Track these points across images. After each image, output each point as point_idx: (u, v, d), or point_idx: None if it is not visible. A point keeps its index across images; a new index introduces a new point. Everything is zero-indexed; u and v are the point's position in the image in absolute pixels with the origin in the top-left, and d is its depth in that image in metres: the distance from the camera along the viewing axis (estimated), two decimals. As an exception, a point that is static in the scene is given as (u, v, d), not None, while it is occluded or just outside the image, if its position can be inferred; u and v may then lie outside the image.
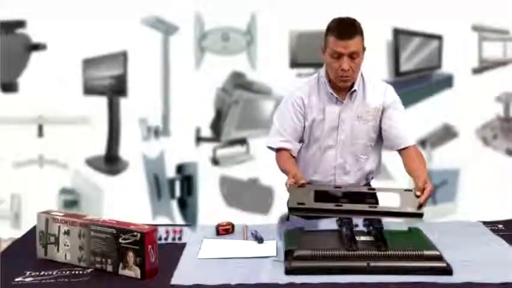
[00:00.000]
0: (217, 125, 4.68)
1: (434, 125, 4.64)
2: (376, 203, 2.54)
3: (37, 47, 4.60)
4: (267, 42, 4.61)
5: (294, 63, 4.61)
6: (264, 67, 4.62)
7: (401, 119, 2.80)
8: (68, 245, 2.35)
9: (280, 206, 4.55)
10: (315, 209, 2.41)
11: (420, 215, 2.38)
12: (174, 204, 4.74)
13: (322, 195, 2.46)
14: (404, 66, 4.61)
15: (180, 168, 4.72)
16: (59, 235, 2.37)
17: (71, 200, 4.70)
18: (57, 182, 4.71)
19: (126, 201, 4.54)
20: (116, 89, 4.66)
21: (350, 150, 2.81)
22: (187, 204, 4.73)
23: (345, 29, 2.64)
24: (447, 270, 2.20)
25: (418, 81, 4.58)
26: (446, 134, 4.66)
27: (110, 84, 4.66)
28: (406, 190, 2.48)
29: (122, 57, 4.62)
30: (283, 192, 4.59)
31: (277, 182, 4.54)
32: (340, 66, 2.63)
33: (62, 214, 2.40)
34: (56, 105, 4.61)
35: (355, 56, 2.62)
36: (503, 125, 4.66)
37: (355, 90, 2.75)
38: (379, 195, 2.57)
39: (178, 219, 4.69)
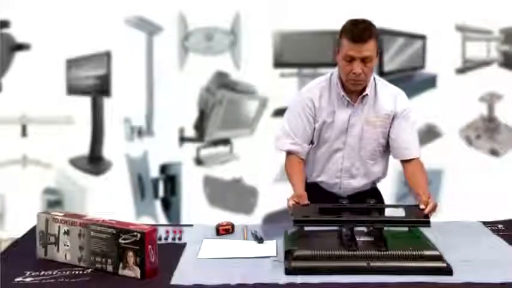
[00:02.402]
0: (200, 125, 4.68)
1: (417, 125, 4.60)
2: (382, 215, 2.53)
3: (21, 47, 4.60)
4: (250, 42, 4.62)
5: (278, 63, 4.61)
6: (248, 67, 4.63)
7: (409, 129, 2.78)
8: (68, 245, 2.35)
9: (263, 206, 4.63)
10: (319, 220, 2.40)
11: (427, 223, 2.37)
12: (158, 204, 4.75)
13: (326, 211, 2.45)
14: (388, 66, 4.61)
15: (163, 168, 4.72)
16: (59, 235, 2.37)
17: (54, 200, 4.69)
18: (41, 182, 4.70)
19: (109, 201, 4.54)
20: (100, 89, 4.66)
21: (358, 154, 2.79)
22: (170, 204, 4.73)
23: (359, 32, 2.56)
24: (447, 270, 2.20)
25: (401, 81, 4.54)
26: (430, 134, 4.66)
27: (93, 84, 4.66)
28: (410, 206, 2.49)
29: (105, 57, 4.62)
30: (267, 192, 4.66)
31: (261, 182, 4.66)
32: (352, 70, 2.58)
33: (62, 214, 2.39)
34: (40, 105, 4.61)
35: (367, 61, 2.57)
36: (487, 125, 4.67)
37: (366, 95, 2.70)
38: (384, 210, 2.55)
39: (162, 219, 4.69)
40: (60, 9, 4.54)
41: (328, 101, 2.76)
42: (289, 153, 2.84)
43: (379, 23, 4.45)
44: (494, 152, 4.69)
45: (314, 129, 2.79)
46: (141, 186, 4.72)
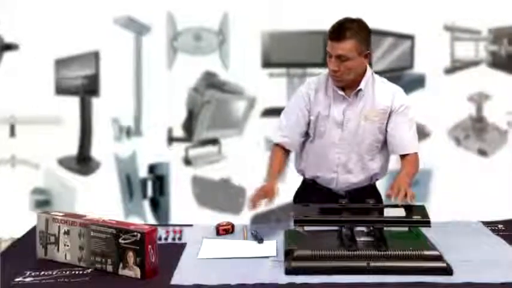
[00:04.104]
0: (189, 125, 4.68)
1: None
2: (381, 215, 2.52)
3: (9, 47, 4.60)
4: (239, 42, 4.62)
5: (266, 63, 4.61)
6: (236, 67, 4.63)
7: (406, 125, 2.79)
8: (68, 245, 2.35)
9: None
10: (320, 220, 2.41)
11: (427, 223, 2.37)
12: (146, 204, 4.75)
13: (327, 211, 2.46)
14: (377, 66, 4.59)
15: (152, 168, 4.72)
16: (59, 235, 2.37)
17: (43, 200, 4.70)
18: (29, 182, 4.71)
19: (98, 201, 4.53)
20: (88, 89, 4.66)
21: (354, 149, 2.80)
22: (159, 204, 4.73)
23: (337, 31, 2.63)
24: (447, 270, 2.20)
25: (390, 81, 4.55)
26: (418, 134, 4.51)
27: (82, 84, 4.66)
28: (411, 206, 2.48)
29: (94, 57, 4.62)
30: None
31: (249, 182, 4.65)
32: (329, 66, 2.67)
33: (62, 214, 2.39)
34: (28, 105, 4.61)
35: (343, 59, 2.61)
36: (475, 125, 4.67)
37: (360, 90, 2.73)
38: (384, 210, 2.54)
39: (150, 219, 4.69)
40: (48, 9, 4.54)
41: (324, 95, 2.79)
42: (277, 144, 2.88)
43: (367, 22, 4.56)
44: (482, 152, 4.69)
45: (310, 122, 2.81)
46: (130, 186, 4.72)
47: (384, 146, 2.85)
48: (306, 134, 2.86)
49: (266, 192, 2.65)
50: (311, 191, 2.90)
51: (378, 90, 2.77)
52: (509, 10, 4.54)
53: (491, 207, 4.20)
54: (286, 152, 2.88)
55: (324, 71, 2.83)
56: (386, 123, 2.78)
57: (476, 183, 4.55)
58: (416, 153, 2.82)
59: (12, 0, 4.55)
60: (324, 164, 2.84)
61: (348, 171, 2.84)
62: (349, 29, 2.62)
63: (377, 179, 2.94)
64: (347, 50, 2.60)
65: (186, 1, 4.57)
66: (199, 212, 4.65)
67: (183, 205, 4.67)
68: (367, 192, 2.86)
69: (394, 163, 2.95)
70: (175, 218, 4.65)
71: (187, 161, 4.70)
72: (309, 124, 2.83)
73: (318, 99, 2.79)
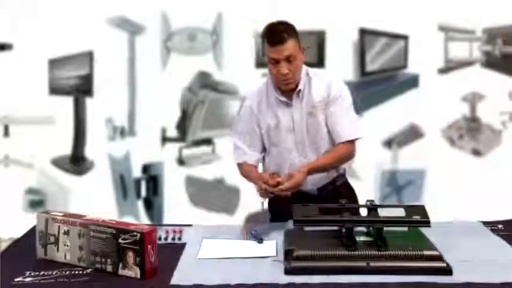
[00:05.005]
0: (183, 125, 4.67)
1: (400, 125, 4.64)
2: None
3: (3, 47, 4.60)
4: (233, 43, 4.62)
5: (260, 64, 4.60)
6: (230, 67, 4.64)
7: (341, 113, 2.80)
8: (67, 245, 2.34)
9: (245, 206, 4.62)
10: (319, 220, 2.40)
11: (427, 223, 2.36)
12: (140, 204, 4.75)
13: (326, 211, 2.45)
14: (370, 66, 4.61)
15: (146, 168, 4.72)
16: (58, 235, 2.36)
17: (36, 200, 4.69)
18: (23, 182, 4.71)
19: (92, 201, 4.53)
20: (82, 89, 4.66)
21: (310, 148, 2.82)
22: (153, 204, 4.73)
23: (276, 35, 2.65)
24: (447, 270, 2.19)
25: (384, 81, 4.58)
26: (412, 134, 4.66)
27: (76, 84, 4.66)
28: (411, 206, 2.48)
29: (88, 57, 4.62)
30: (249, 192, 4.64)
31: (243, 182, 4.63)
32: (279, 71, 2.67)
33: (61, 214, 2.38)
34: (22, 105, 4.62)
35: (291, 59, 2.65)
36: (469, 125, 4.67)
37: (300, 90, 2.77)
38: (383, 210, 2.51)
39: (144, 219, 4.69)
40: (42, 9, 4.55)
41: (268, 105, 2.83)
42: (241, 164, 2.90)
43: (361, 23, 4.59)
44: (476, 152, 4.69)
45: (262, 135, 2.86)
46: (124, 186, 4.71)
47: None
48: (264, 149, 2.90)
49: (265, 180, 2.62)
50: (284, 198, 2.81)
51: (314, 85, 2.79)
52: (503, 10, 4.54)
53: (485, 207, 4.22)
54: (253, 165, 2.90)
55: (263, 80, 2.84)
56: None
57: (470, 184, 4.55)
58: (350, 141, 2.81)
59: (6, 1, 4.55)
60: (286, 169, 2.83)
61: None
62: (285, 30, 2.67)
63: (344, 169, 2.94)
64: (292, 49, 2.65)
65: (180, 1, 4.57)
66: (193, 212, 4.65)
67: (176, 205, 4.67)
68: (338, 187, 2.90)
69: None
70: (169, 218, 4.64)
71: (181, 161, 4.70)
72: (261, 138, 2.87)
73: (262, 111, 2.83)
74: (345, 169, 2.95)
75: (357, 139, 2.82)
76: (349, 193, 2.95)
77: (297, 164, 2.80)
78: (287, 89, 2.76)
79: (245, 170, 2.87)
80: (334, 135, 2.80)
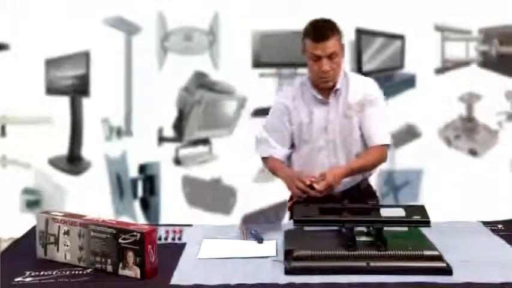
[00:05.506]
0: (179, 125, 4.68)
1: (397, 125, 4.62)
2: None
3: (0, 47, 4.59)
4: (229, 43, 4.63)
5: (257, 63, 4.62)
6: (227, 67, 4.64)
7: (375, 116, 2.77)
8: (67, 245, 2.34)
9: (242, 206, 4.63)
10: (319, 220, 2.40)
11: (427, 223, 2.36)
12: (137, 204, 4.75)
13: (326, 211, 2.44)
14: (367, 66, 4.61)
15: (142, 168, 4.72)
16: (58, 235, 2.36)
17: (33, 200, 4.70)
18: (20, 182, 4.71)
19: (88, 201, 4.51)
20: (79, 89, 4.66)
21: (342, 149, 2.79)
22: (149, 204, 4.73)
23: (320, 31, 2.65)
24: (447, 270, 2.19)
25: (380, 81, 4.52)
26: (409, 134, 4.66)
27: (72, 84, 4.67)
28: (410, 206, 2.48)
29: (84, 57, 4.63)
30: (246, 192, 4.66)
31: (240, 182, 4.66)
32: (320, 68, 2.66)
33: (61, 214, 2.38)
34: (19, 105, 4.62)
35: (333, 56, 2.64)
36: (466, 125, 4.67)
37: (338, 89, 2.75)
38: (383, 210, 2.51)
39: (141, 219, 4.69)
40: (39, 9, 4.55)
41: (303, 102, 2.80)
42: (268, 158, 2.89)
43: (358, 23, 4.59)
44: (473, 152, 4.69)
45: (293, 133, 2.83)
46: (120, 186, 4.72)
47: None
48: (292, 146, 2.88)
49: (299, 178, 2.62)
50: (305, 198, 2.85)
51: (351, 86, 2.78)
52: (499, 10, 4.54)
53: (482, 207, 4.22)
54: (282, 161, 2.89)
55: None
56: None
57: (467, 184, 4.55)
58: (383, 145, 2.78)
59: (3, 1, 4.55)
60: (315, 169, 2.78)
61: None
62: (329, 27, 2.67)
63: (370, 174, 2.93)
64: (335, 46, 2.64)
65: (177, 1, 4.57)
66: (189, 212, 4.65)
67: (173, 205, 4.67)
68: (362, 191, 2.87)
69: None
70: (165, 218, 4.65)
71: (178, 161, 4.70)
72: (292, 135, 2.84)
73: (296, 107, 2.81)
74: (371, 174, 2.93)
75: (388, 145, 2.80)
76: (373, 198, 2.90)
77: (326, 163, 2.79)
78: (325, 87, 2.74)
79: (272, 165, 2.86)
80: (368, 138, 2.77)
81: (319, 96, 2.76)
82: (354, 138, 2.79)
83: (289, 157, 2.91)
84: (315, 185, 2.56)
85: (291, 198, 2.88)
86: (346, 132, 2.78)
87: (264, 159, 2.92)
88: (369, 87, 2.80)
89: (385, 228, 2.37)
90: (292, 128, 2.83)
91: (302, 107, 2.80)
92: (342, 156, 2.80)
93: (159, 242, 2.38)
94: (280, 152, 2.86)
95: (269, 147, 2.87)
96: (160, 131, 4.68)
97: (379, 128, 2.77)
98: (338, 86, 2.75)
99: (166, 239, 2.62)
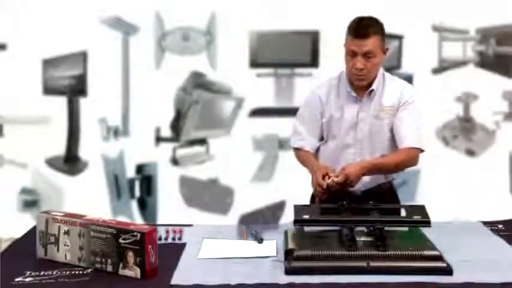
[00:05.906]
0: (177, 125, 4.68)
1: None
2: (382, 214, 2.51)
3: (-3, 47, 4.61)
4: (227, 42, 4.62)
5: (254, 64, 4.62)
6: (224, 67, 4.64)
7: (408, 119, 2.75)
8: (68, 245, 2.34)
9: (239, 206, 4.63)
10: (320, 220, 2.41)
11: (427, 223, 2.37)
12: (134, 204, 4.75)
13: (328, 211, 2.45)
14: (364, 66, 4.61)
15: (139, 168, 4.72)
16: (59, 235, 2.36)
17: (30, 200, 4.69)
18: (17, 182, 4.70)
19: (86, 201, 4.53)
20: (76, 89, 4.66)
21: (368, 149, 2.78)
22: (147, 204, 4.73)
23: (361, 28, 2.64)
24: (447, 270, 2.20)
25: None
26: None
27: (69, 84, 4.66)
28: (411, 206, 2.48)
29: (81, 57, 4.62)
30: (243, 192, 4.66)
31: (237, 182, 4.66)
32: (355, 65, 2.64)
33: (62, 214, 2.39)
34: (16, 105, 4.62)
35: (370, 56, 2.62)
36: (463, 125, 4.67)
37: (373, 90, 2.73)
38: (383, 209, 2.52)
39: (138, 219, 4.68)
40: (36, 9, 4.55)
41: (336, 96, 2.80)
42: (299, 149, 2.89)
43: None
44: (470, 152, 4.69)
45: (322, 125, 2.83)
46: (117, 186, 4.71)
47: (395, 142, 2.81)
48: (322, 138, 2.87)
49: (325, 170, 2.61)
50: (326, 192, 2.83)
51: (387, 88, 2.77)
52: (496, 10, 4.54)
53: (479, 207, 4.24)
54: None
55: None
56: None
57: (464, 184, 4.56)
58: (412, 148, 2.74)
59: (0, 1, 4.55)
60: (339, 165, 2.76)
61: None
62: (371, 25, 2.66)
63: (394, 179, 2.91)
64: (373, 46, 2.62)
65: (174, 1, 4.57)
66: (187, 212, 4.65)
67: (170, 205, 4.67)
68: (383, 191, 2.85)
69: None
70: (162, 218, 4.64)
71: (175, 161, 4.70)
72: (322, 127, 2.84)
73: (329, 101, 2.80)
74: (394, 177, 2.91)
75: (420, 150, 2.76)
76: (394, 200, 2.91)
77: (351, 161, 2.75)
78: (359, 85, 2.73)
79: (302, 156, 2.87)
80: (398, 139, 2.74)
81: (353, 94, 2.75)
82: (382, 140, 2.77)
83: (318, 149, 2.90)
84: (333, 177, 2.53)
85: (313, 197, 2.87)
86: (375, 134, 2.76)
87: (295, 149, 2.92)
88: (406, 90, 2.78)
89: (385, 228, 2.37)
90: (322, 120, 2.82)
91: (334, 101, 2.79)
92: (368, 156, 2.77)
93: (159, 242, 2.39)
94: (310, 143, 2.86)
95: (300, 139, 2.88)
96: (157, 131, 4.68)
97: (410, 130, 2.74)
98: (373, 86, 2.73)
99: (166, 239, 2.63)
